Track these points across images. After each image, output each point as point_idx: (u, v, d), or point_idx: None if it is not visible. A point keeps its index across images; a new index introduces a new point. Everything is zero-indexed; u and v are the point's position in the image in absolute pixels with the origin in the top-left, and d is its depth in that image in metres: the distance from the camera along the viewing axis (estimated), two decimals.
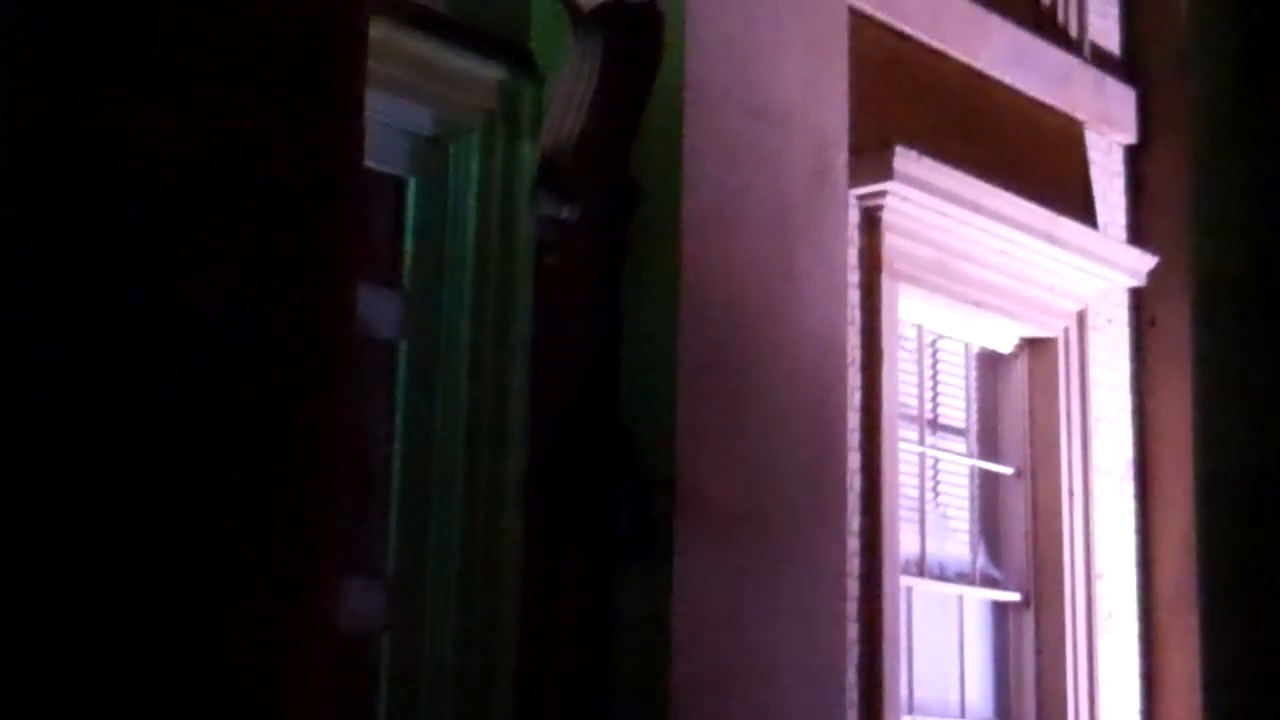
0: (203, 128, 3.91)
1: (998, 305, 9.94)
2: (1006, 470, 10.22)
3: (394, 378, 7.09)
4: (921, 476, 9.70)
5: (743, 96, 7.85)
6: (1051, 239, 9.94)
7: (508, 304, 7.17)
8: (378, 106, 4.87)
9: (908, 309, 9.39)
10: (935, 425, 9.91)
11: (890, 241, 9.13)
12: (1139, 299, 10.84)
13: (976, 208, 9.47)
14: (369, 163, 4.71)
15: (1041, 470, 10.18)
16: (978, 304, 9.83)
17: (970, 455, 10.10)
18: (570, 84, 7.32)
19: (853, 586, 8.54)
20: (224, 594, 3.77)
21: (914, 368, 9.73)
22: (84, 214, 3.84)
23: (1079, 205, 10.55)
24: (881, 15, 9.35)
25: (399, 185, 7.19)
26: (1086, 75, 10.80)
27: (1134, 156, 11.11)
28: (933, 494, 9.83)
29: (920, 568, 9.60)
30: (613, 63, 7.45)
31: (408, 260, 7.19)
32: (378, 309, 6.92)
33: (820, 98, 8.27)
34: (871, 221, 9.08)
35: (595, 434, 7.35)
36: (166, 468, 3.76)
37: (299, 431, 3.99)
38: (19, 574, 3.65)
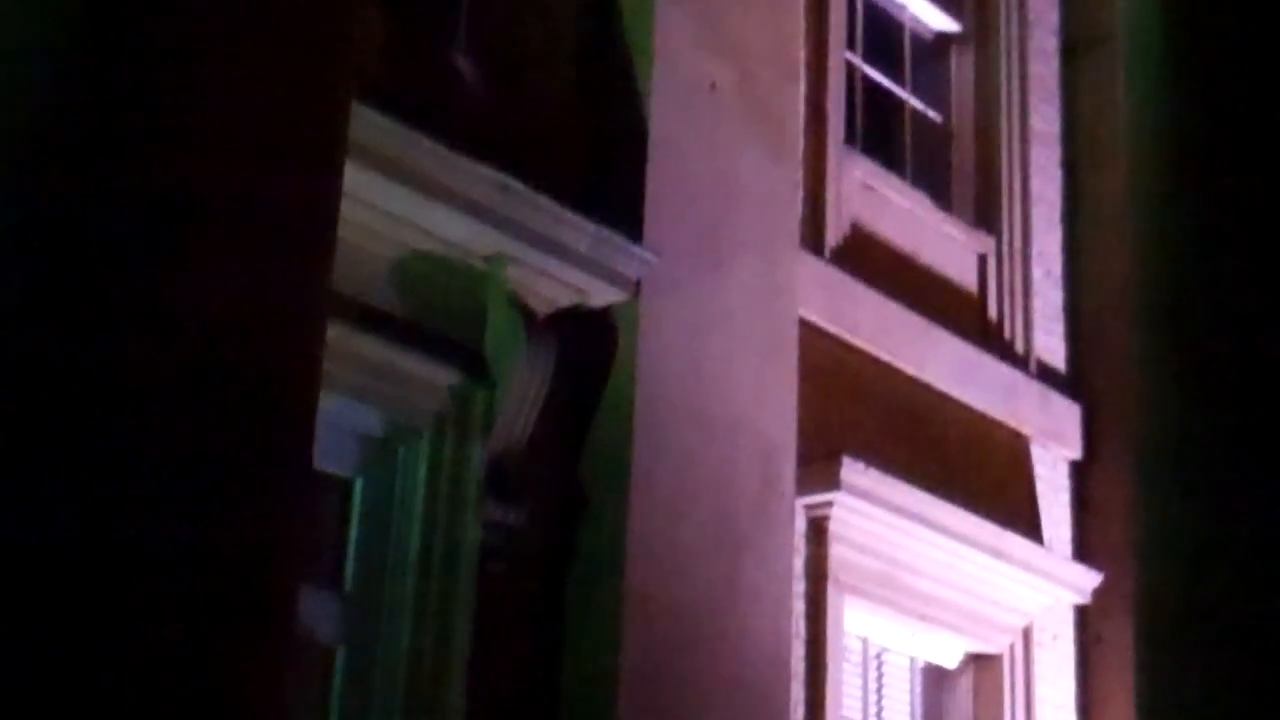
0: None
1: (943, 619, 9.87)
2: None
3: (330, 683, 6.95)
4: None
5: (693, 405, 7.88)
6: (997, 554, 9.92)
7: (449, 610, 7.06)
8: (328, 407, 4.83)
9: (853, 621, 9.31)
10: None
11: (837, 552, 9.10)
12: (1084, 616, 10.79)
13: (923, 520, 9.46)
14: (317, 465, 4.68)
15: None
16: (923, 617, 9.76)
17: None
18: (522, 389, 7.32)
19: None
20: None
21: (859, 681, 9.61)
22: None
23: (1025, 520, 10.55)
24: (831, 327, 9.44)
25: (346, 485, 7.14)
26: (1032, 390, 10.88)
27: (1079, 472, 11.15)
28: None
29: None
30: (565, 369, 7.49)
31: (350, 562, 7.09)
32: (318, 611, 6.80)
33: (769, 407, 8.32)
34: (818, 531, 9.05)
35: None
36: None
37: None
38: None
